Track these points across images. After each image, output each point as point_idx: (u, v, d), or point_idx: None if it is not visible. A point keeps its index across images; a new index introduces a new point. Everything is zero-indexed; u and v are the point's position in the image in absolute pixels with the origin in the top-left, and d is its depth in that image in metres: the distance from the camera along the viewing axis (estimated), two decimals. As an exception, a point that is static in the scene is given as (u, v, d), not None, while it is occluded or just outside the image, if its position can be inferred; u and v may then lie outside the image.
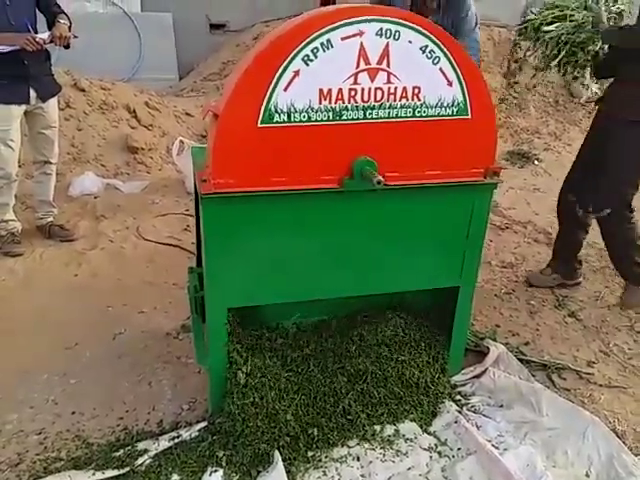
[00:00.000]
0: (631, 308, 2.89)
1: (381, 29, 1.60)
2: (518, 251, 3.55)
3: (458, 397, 2.22)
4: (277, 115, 1.62)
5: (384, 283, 2.00)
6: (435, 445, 1.99)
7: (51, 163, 3.22)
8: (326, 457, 1.93)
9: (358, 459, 1.92)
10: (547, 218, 3.90)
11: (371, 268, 1.93)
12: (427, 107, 1.74)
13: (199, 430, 2.00)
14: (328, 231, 1.83)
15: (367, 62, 1.63)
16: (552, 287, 3.05)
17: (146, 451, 1.92)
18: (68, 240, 3.32)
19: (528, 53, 2.73)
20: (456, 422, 2.04)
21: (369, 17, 1.59)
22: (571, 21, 2.52)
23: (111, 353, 2.46)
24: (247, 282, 1.84)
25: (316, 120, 1.66)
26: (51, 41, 2.85)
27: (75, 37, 2.97)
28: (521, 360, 2.44)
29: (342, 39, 1.59)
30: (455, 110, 1.77)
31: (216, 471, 1.86)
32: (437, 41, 1.66)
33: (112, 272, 3.05)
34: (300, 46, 1.56)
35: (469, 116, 1.79)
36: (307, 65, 1.59)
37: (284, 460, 1.88)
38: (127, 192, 4.23)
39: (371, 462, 1.90)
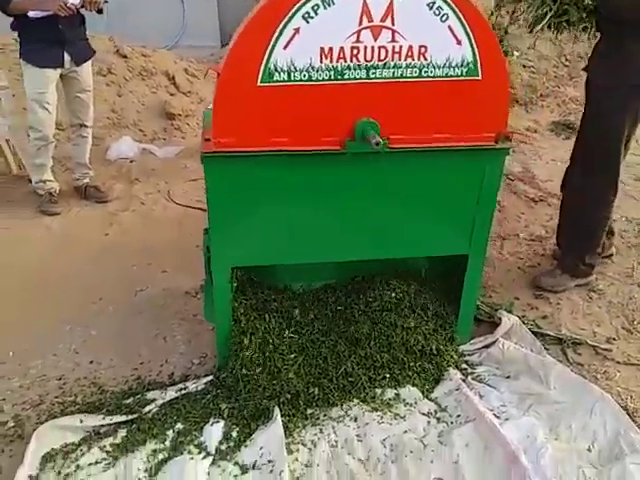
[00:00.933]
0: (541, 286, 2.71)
1: (384, -16, 1.56)
2: (550, 224, 3.41)
3: (464, 366, 2.20)
4: (277, 74, 1.61)
5: (390, 248, 1.99)
6: (435, 411, 2.00)
7: (87, 126, 3.34)
8: (324, 416, 1.97)
9: (355, 420, 1.95)
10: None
11: (376, 232, 1.92)
12: (434, 67, 1.69)
13: (205, 383, 2.09)
14: (331, 194, 1.82)
15: (370, 19, 1.59)
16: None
17: (154, 400, 2.02)
18: (102, 201, 3.46)
19: (515, 15, 2.50)
20: (457, 389, 2.03)
21: (372, -29, 1.54)
22: None
23: (132, 309, 2.57)
24: (250, 242, 1.87)
25: (317, 80, 1.64)
26: (82, 6, 2.92)
27: (106, 2, 3.03)
28: (535, 333, 2.38)
29: (344, -5, 1.55)
30: (464, 70, 1.71)
31: (217, 422, 1.94)
32: (445, -3, 1.60)
33: (141, 233, 3.17)
34: (300, 3, 1.54)
35: (479, 77, 1.72)
36: (307, 22, 1.57)
37: (283, 416, 1.93)
38: (162, 157, 4.33)
39: (367, 423, 1.92)
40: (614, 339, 2.41)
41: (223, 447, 1.87)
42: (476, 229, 1.99)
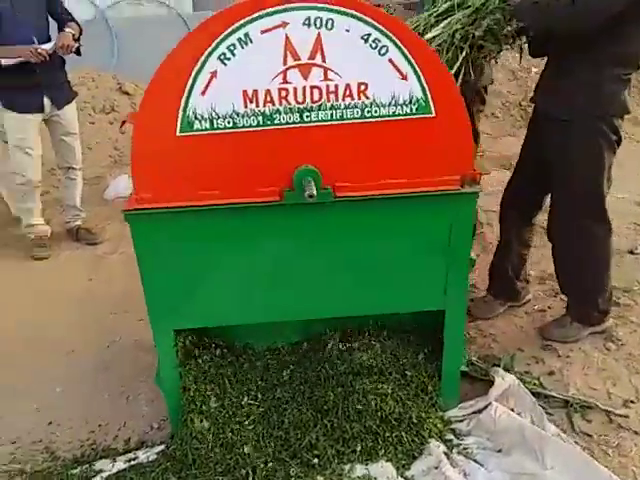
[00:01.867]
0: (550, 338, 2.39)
1: (309, 18, 1.37)
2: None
3: (450, 436, 1.92)
4: (197, 122, 1.45)
5: (349, 305, 1.76)
6: (408, 493, 1.74)
7: (74, 169, 3.31)
8: (282, 496, 1.75)
9: (316, 502, 1.72)
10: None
11: (330, 289, 1.71)
12: (378, 106, 1.48)
13: (157, 453, 1.91)
14: (273, 249, 1.63)
15: (296, 57, 1.41)
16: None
17: (101, 471, 1.87)
18: (93, 243, 3.40)
19: None
20: (437, 467, 1.77)
21: (292, 5, 1.36)
22: (464, 7, 1.85)
23: (101, 363, 2.45)
24: (190, 303, 1.70)
25: (244, 126, 1.47)
26: (54, 51, 2.90)
27: (79, 45, 3.00)
28: (538, 394, 2.08)
29: (262, 32, 1.38)
30: (414, 108, 1.49)
31: (161, 500, 1.76)
32: (382, 27, 1.40)
33: (124, 278, 3.06)
34: (214, 44, 1.38)
35: (432, 114, 1.50)
36: (225, 65, 1.40)
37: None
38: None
39: (328, 507, 1.69)
40: (632, 402, 2.06)
41: (164, 531, 1.69)
42: (450, 282, 1.74)
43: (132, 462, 1.89)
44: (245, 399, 1.88)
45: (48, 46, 2.87)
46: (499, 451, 1.85)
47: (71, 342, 2.58)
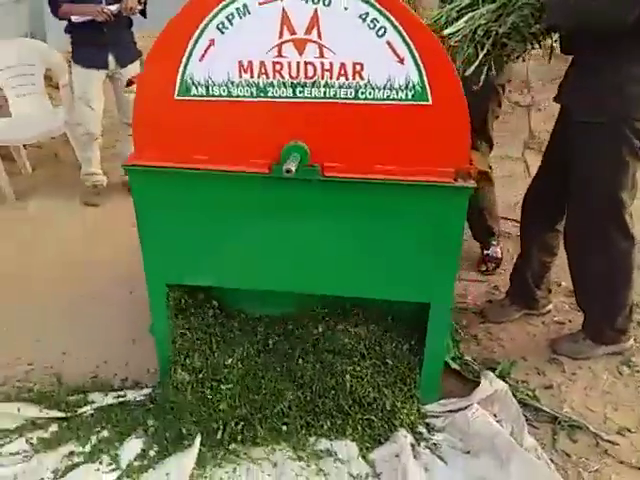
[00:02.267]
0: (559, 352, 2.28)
1: (306, -8, 1.37)
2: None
3: (422, 429, 1.91)
4: (194, 88, 1.51)
5: (332, 284, 1.78)
6: (366, 475, 1.76)
7: (130, 125, 3.49)
8: (245, 454, 1.83)
9: (275, 465, 1.79)
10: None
11: (315, 265, 1.74)
12: (373, 88, 1.46)
13: (144, 395, 2.05)
14: (260, 219, 1.68)
15: (292, 32, 1.42)
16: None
17: (93, 402, 2.03)
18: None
19: None
20: (397, 456, 1.77)
21: (290, -22, 1.36)
22: (490, 2, 1.70)
23: (124, 305, 2.63)
24: (182, 260, 1.79)
25: (237, 95, 1.50)
26: (119, 12, 3.05)
27: (145, 7, 3.13)
28: (528, 406, 2.01)
29: (260, 4, 1.40)
30: (410, 94, 1.46)
31: (140, 437, 1.89)
32: (380, 7, 1.37)
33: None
34: (213, 12, 1.42)
35: (429, 102, 1.46)
36: (222, 33, 1.44)
37: (203, 446, 1.84)
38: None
39: (283, 473, 1.75)
40: (629, 431, 1.94)
41: (136, 464, 1.82)
42: (437, 276, 1.71)
43: (120, 399, 2.04)
44: (229, 360, 1.97)
45: (114, 7, 3.04)
46: (467, 452, 1.82)
47: (99, 283, 2.79)
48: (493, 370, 2.15)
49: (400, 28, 1.38)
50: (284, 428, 1.88)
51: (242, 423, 1.87)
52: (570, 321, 2.49)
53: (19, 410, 1.98)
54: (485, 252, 2.85)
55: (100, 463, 1.81)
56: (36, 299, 2.70)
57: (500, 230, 3.01)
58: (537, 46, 1.90)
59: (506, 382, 2.10)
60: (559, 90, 2.03)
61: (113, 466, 1.81)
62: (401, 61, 1.42)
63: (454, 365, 2.13)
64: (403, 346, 1.96)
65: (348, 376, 1.89)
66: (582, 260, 2.15)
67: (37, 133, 3.74)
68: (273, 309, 2.05)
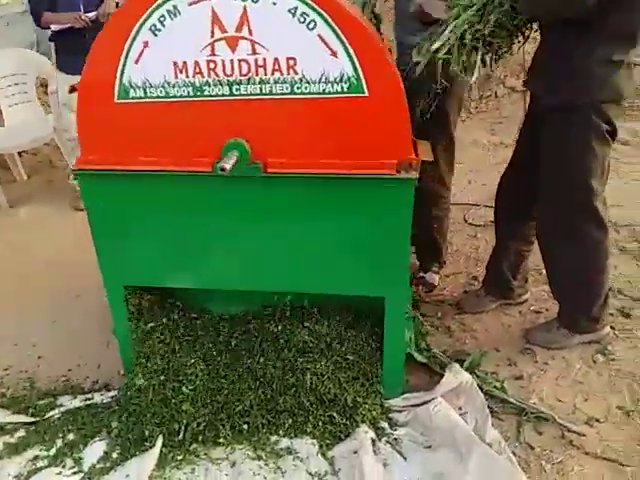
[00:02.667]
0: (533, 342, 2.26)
1: (233, -10, 1.37)
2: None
3: (383, 424, 1.89)
4: (132, 90, 1.51)
5: (285, 281, 1.78)
6: (324, 472, 1.75)
7: None
8: (205, 454, 1.83)
9: (233, 465, 1.79)
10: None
11: (265, 263, 1.74)
12: (308, 82, 1.45)
13: (110, 397, 2.07)
14: (209, 217, 1.68)
15: (223, 30, 1.42)
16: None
17: (61, 405, 2.06)
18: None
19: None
20: (356, 452, 1.76)
21: (216, -24, 1.36)
22: (469, 6, 1.71)
23: (102, 309, 2.64)
24: (137, 261, 1.80)
25: (175, 96, 1.51)
26: (96, 18, 3.09)
27: None
28: (494, 397, 1.99)
29: (189, 4, 1.40)
30: (345, 86, 1.45)
31: (102, 440, 1.91)
32: (309, 1, 1.36)
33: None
34: (145, 15, 1.42)
35: (366, 94, 1.45)
36: (155, 35, 1.44)
37: (165, 447, 1.85)
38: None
39: (241, 473, 1.75)
40: (598, 421, 1.91)
41: (98, 466, 1.84)
42: (390, 269, 1.70)
43: (88, 402, 2.06)
44: (191, 361, 1.96)
45: (91, 14, 3.08)
46: (429, 447, 1.81)
47: (79, 287, 2.81)
48: (463, 362, 2.13)
49: (330, 21, 1.37)
50: (245, 427, 1.88)
51: (204, 423, 1.88)
52: (547, 310, 2.45)
53: (-13, 415, 2.01)
54: (421, 274, 2.65)
55: (63, 467, 1.83)
56: (20, 303, 2.73)
57: (484, 221, 2.97)
58: (521, 38, 1.90)
59: (475, 374, 2.09)
60: (528, 75, 2.00)
61: (75, 469, 1.82)
62: (334, 54, 1.41)
63: (420, 358, 2.11)
64: (364, 341, 1.95)
65: (309, 373, 1.88)
66: (554, 250, 2.12)
67: (29, 140, 3.80)
68: (237, 308, 2.05)
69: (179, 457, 1.83)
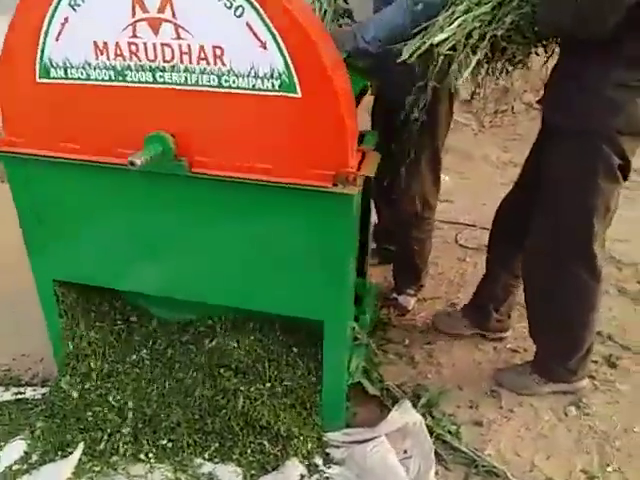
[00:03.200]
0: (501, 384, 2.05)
1: (155, -34, 1.23)
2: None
3: (318, 460, 1.72)
4: (53, 70, 1.39)
5: (209, 292, 1.63)
6: (241, 505, 1.60)
7: None
8: (123, 469, 1.71)
9: (146, 485, 1.65)
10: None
11: (191, 270, 1.59)
12: (236, 75, 1.30)
13: (42, 394, 1.96)
14: (133, 214, 1.55)
15: (144, 10, 1.27)
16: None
17: (-9, 397, 1.97)
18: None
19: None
20: (279, 488, 1.60)
21: (136, -51, 1.23)
22: (482, 2, 1.49)
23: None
24: (64, 255, 1.68)
25: (96, 79, 1.38)
26: None
27: None
28: (446, 443, 1.79)
29: (109, -21, 1.27)
30: (276, 84, 1.28)
31: (24, 439, 1.80)
32: (236, -17, 1.21)
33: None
34: (63, -13, 1.29)
35: (298, 94, 1.28)
36: (75, 11, 1.31)
37: (85, 455, 1.73)
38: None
39: (153, 495, 1.62)
40: (556, 483, 1.69)
41: (15, 467, 1.74)
42: (328, 291, 1.53)
43: (19, 396, 1.96)
44: (123, 367, 1.85)
45: None
46: (359, 492, 1.63)
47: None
48: (419, 398, 1.94)
49: (259, 8, 1.22)
50: (169, 445, 1.74)
51: (128, 436, 1.75)
52: (525, 350, 2.22)
53: None
54: (394, 296, 2.45)
55: (-22, 465, 1.74)
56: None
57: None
58: (541, 48, 1.69)
59: (430, 414, 1.90)
60: (543, 94, 1.79)
61: (-11, 468, 1.72)
62: (263, 46, 1.25)
63: (372, 390, 1.93)
64: (305, 367, 1.78)
65: (241, 396, 1.73)
66: (538, 291, 1.90)
67: None
68: (180, 315, 1.91)
69: (96, 468, 1.72)
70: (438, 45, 1.53)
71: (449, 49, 1.53)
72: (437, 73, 1.60)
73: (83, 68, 1.37)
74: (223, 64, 1.29)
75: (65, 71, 1.38)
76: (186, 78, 1.33)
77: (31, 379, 2.11)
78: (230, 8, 1.23)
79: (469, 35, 1.53)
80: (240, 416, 1.72)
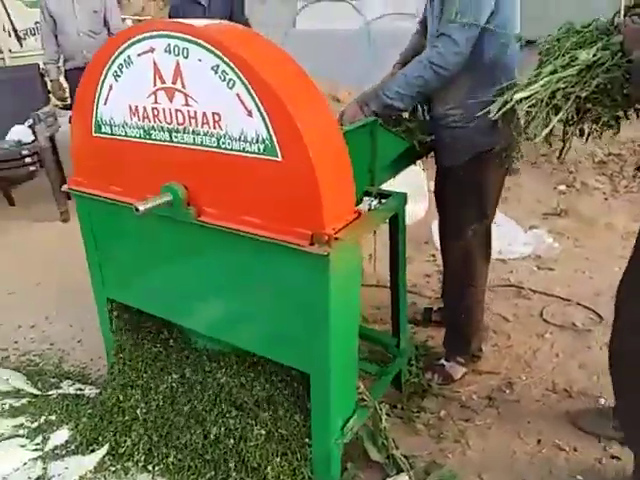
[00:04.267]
0: None
1: (169, 45, 1.43)
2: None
3: (298, 516, 1.72)
4: (103, 126, 1.68)
5: (225, 332, 1.77)
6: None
7: None
8: (132, 475, 1.90)
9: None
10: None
11: (200, 306, 1.75)
12: (230, 139, 1.44)
13: (95, 394, 2.26)
14: (160, 252, 1.76)
15: (162, 80, 1.48)
16: None
17: (60, 388, 2.34)
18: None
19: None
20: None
21: (155, 32, 1.44)
22: (569, 64, 1.40)
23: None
24: (116, 279, 1.96)
25: (132, 136, 1.63)
26: None
27: None
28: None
29: (138, 55, 1.50)
30: (262, 148, 1.39)
31: (70, 429, 2.10)
32: (228, 61, 1.35)
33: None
34: (109, 62, 1.57)
35: (279, 158, 1.37)
36: (117, 80, 1.58)
37: (108, 454, 1.97)
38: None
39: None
40: None
41: (56, 452, 2.03)
42: (312, 345, 1.56)
43: (78, 391, 2.30)
44: (153, 385, 2.04)
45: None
46: None
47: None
48: (427, 476, 1.82)
49: (246, 81, 1.34)
50: (174, 463, 1.89)
51: (145, 447, 1.94)
52: (573, 450, 1.95)
53: (9, 379, 2.38)
54: (441, 361, 2.32)
55: (31, 441, 2.07)
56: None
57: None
58: (633, 113, 1.59)
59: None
60: None
61: (39, 446, 2.05)
62: (249, 114, 1.37)
63: (375, 455, 1.87)
64: (300, 415, 1.80)
65: (238, 434, 1.81)
66: None
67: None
68: (213, 344, 2.06)
69: (112, 468, 1.93)
70: (520, 102, 1.55)
71: (530, 106, 1.53)
72: (516, 130, 1.66)
73: (122, 126, 1.63)
74: (220, 128, 1.44)
75: (110, 128, 1.66)
76: (194, 139, 1.50)
77: (96, 379, 2.45)
78: (224, 81, 1.38)
79: (552, 95, 1.50)
80: (235, 452, 1.80)
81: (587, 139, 1.63)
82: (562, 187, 4.32)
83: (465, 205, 2.01)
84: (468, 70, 1.83)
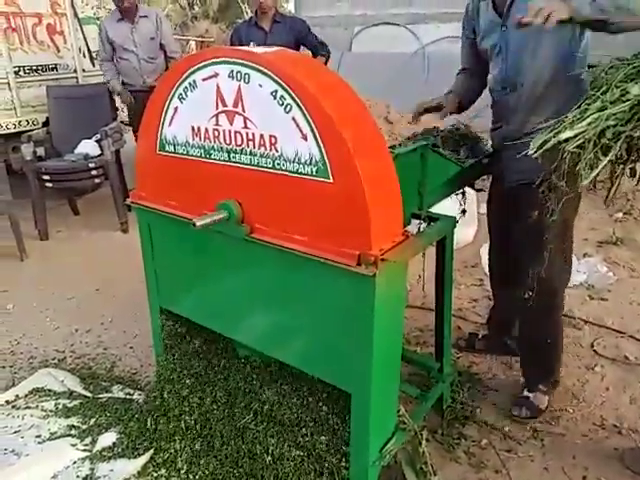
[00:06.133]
0: None
1: (232, 71, 1.51)
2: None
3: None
4: (167, 145, 1.78)
5: (270, 346, 1.81)
6: None
7: None
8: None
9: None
10: None
11: (246, 319, 1.81)
12: (285, 160, 1.50)
13: (143, 398, 2.36)
14: (211, 266, 1.84)
15: (224, 104, 1.57)
16: None
17: (111, 392, 2.44)
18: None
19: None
20: None
21: (220, 59, 1.53)
22: (619, 99, 1.33)
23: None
24: (169, 289, 2.05)
25: (193, 155, 1.72)
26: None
27: None
28: None
29: (203, 80, 1.60)
30: (314, 169, 1.45)
31: (119, 433, 2.19)
32: (286, 86, 1.42)
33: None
34: (175, 85, 1.67)
35: (330, 180, 1.43)
36: (182, 103, 1.68)
37: (151, 459, 2.04)
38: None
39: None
40: None
41: (103, 453, 2.12)
42: (354, 364, 1.58)
43: (128, 396, 2.40)
44: (196, 397, 2.10)
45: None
46: None
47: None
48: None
49: (302, 107, 1.41)
50: (210, 478, 1.94)
51: (187, 455, 2.01)
52: None
53: (64, 380, 2.51)
54: (525, 394, 2.26)
55: (81, 441, 2.17)
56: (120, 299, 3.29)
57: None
58: None
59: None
60: None
61: (88, 447, 2.14)
62: (304, 137, 1.43)
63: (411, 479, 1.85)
64: (339, 436, 1.81)
65: (274, 452, 1.85)
66: None
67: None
68: (259, 356, 2.12)
69: (154, 474, 2.00)
70: (566, 141, 1.48)
71: (577, 147, 1.47)
72: (562, 172, 1.53)
73: (184, 146, 1.73)
74: (276, 150, 1.51)
75: (174, 147, 1.76)
76: (251, 160, 1.58)
77: (144, 385, 2.55)
78: (282, 105, 1.45)
79: (601, 134, 1.45)
80: (269, 469, 1.83)
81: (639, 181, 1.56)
82: (618, 215, 4.18)
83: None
84: (567, 83, 1.80)
